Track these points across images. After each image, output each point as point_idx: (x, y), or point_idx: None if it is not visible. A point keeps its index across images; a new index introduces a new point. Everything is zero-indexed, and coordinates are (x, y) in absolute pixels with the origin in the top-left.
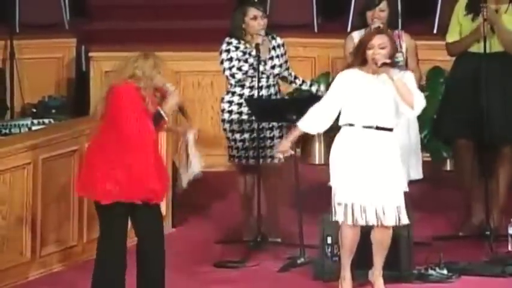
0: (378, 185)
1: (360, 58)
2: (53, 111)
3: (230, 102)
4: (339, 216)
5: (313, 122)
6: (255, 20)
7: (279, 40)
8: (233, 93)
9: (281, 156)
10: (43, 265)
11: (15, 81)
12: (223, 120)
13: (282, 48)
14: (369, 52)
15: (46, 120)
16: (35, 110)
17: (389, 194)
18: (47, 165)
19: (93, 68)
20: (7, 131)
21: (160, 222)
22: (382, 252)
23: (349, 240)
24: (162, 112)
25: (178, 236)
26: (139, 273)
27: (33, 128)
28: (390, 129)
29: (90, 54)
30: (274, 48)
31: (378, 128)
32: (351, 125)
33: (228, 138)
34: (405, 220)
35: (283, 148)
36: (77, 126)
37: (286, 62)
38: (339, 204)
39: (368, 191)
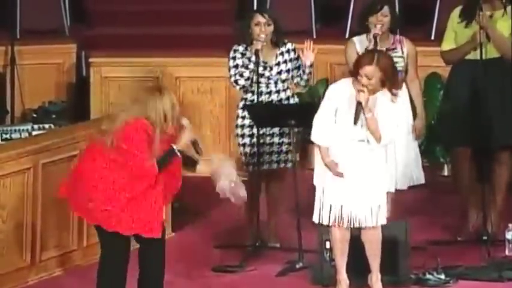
0: (354, 186)
1: (355, 75)
2: (53, 116)
3: (243, 108)
4: (315, 217)
5: (326, 135)
6: (258, 26)
7: (289, 45)
8: (245, 99)
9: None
10: (43, 269)
11: (16, 87)
12: (236, 126)
13: (292, 53)
14: (359, 78)
15: (46, 126)
16: (35, 115)
17: (364, 195)
18: (47, 170)
19: (93, 73)
20: (7, 136)
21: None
22: (374, 254)
23: (337, 240)
24: (176, 150)
25: (177, 241)
26: (140, 276)
27: (34, 133)
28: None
29: (90, 59)
30: (282, 53)
31: (361, 141)
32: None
33: (238, 144)
34: (381, 220)
35: (337, 168)
36: (77, 132)
37: (298, 67)
38: (319, 205)
39: (343, 192)
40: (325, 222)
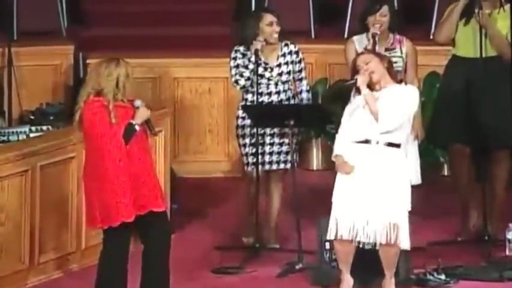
0: (370, 202)
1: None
2: (51, 118)
3: (242, 109)
4: (329, 232)
5: (343, 146)
6: (271, 26)
7: (292, 47)
8: (246, 100)
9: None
10: (41, 272)
11: (13, 88)
12: (236, 127)
13: (294, 55)
14: (361, 72)
15: (44, 127)
16: (32, 117)
17: (380, 211)
18: (44, 172)
19: None
20: (5, 138)
21: (166, 224)
22: (389, 266)
23: (340, 254)
24: (135, 124)
25: (177, 242)
26: (143, 275)
27: (31, 135)
28: (395, 145)
29: (88, 61)
30: (284, 55)
31: (378, 143)
32: (352, 141)
33: (239, 144)
34: (403, 243)
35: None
36: (75, 133)
37: (300, 70)
38: (331, 219)
39: (358, 207)
40: (331, 237)
